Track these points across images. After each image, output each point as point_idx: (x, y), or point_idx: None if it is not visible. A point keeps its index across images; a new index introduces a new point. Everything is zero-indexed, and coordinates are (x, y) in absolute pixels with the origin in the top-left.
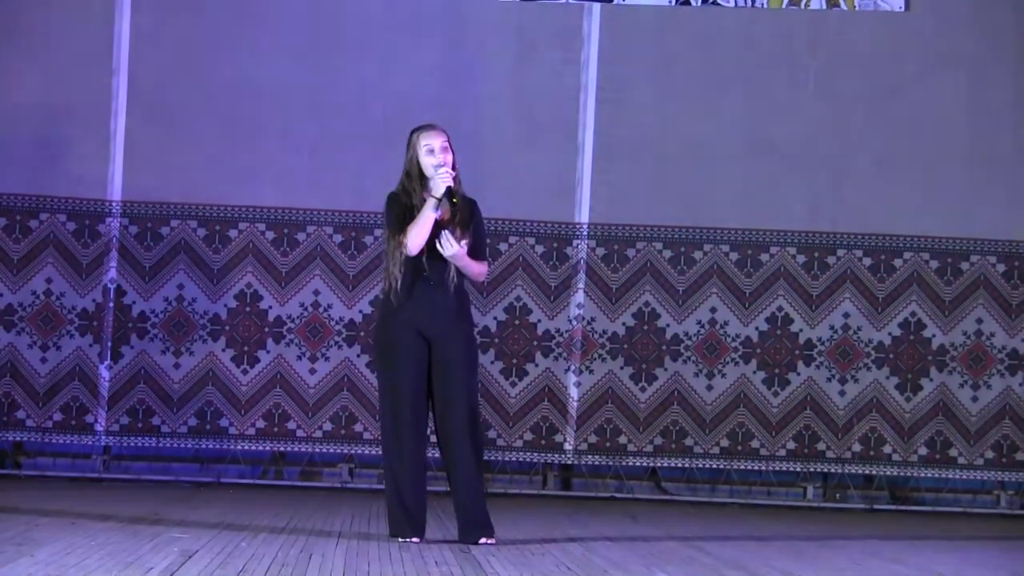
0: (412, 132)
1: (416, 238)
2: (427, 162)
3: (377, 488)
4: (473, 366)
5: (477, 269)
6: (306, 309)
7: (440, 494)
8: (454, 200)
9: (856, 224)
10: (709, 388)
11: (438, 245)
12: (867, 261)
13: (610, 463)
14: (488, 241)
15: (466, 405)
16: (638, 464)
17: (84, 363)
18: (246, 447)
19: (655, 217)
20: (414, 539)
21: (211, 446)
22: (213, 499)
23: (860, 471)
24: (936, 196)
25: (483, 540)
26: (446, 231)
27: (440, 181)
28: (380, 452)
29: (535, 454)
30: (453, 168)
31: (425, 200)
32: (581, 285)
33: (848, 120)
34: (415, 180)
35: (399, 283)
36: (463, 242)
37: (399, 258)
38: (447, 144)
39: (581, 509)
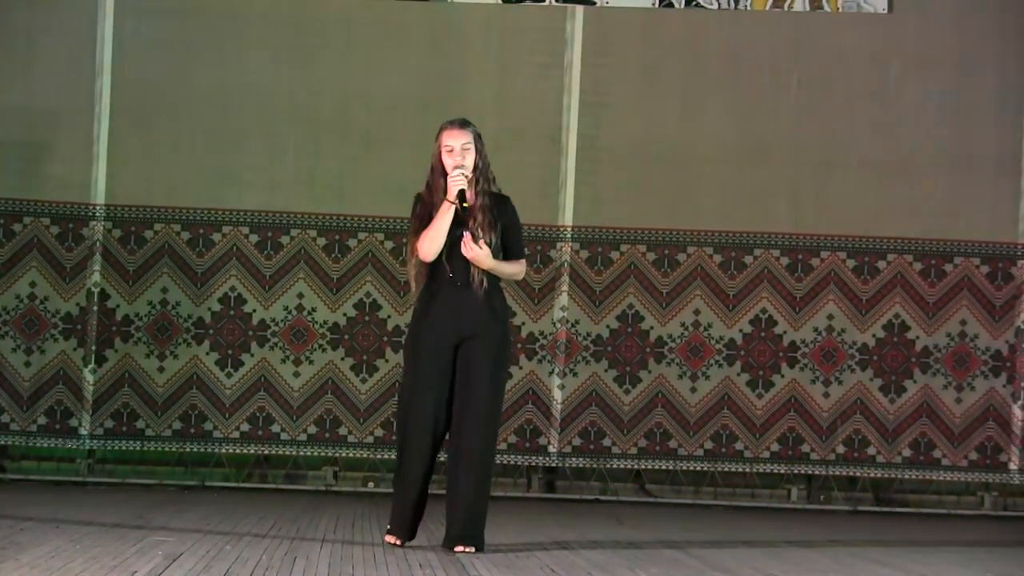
0: (440, 126)
1: (430, 244)
2: (446, 161)
3: (362, 491)
4: (498, 369)
5: (510, 270)
6: (290, 312)
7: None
8: (464, 204)
9: (840, 226)
10: (693, 390)
11: (462, 248)
12: (851, 263)
13: (594, 465)
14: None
15: (483, 411)
16: (622, 466)
17: (68, 367)
18: (230, 450)
19: (639, 220)
20: (396, 541)
21: (195, 449)
22: (197, 502)
23: (844, 473)
24: (919, 198)
25: (459, 548)
26: (467, 233)
27: (452, 184)
28: (364, 455)
29: (519, 456)
30: (476, 167)
31: (443, 200)
32: (565, 288)
33: (832, 122)
34: (438, 176)
35: (425, 286)
36: (483, 242)
37: (419, 263)
38: (468, 144)
39: (565, 511)
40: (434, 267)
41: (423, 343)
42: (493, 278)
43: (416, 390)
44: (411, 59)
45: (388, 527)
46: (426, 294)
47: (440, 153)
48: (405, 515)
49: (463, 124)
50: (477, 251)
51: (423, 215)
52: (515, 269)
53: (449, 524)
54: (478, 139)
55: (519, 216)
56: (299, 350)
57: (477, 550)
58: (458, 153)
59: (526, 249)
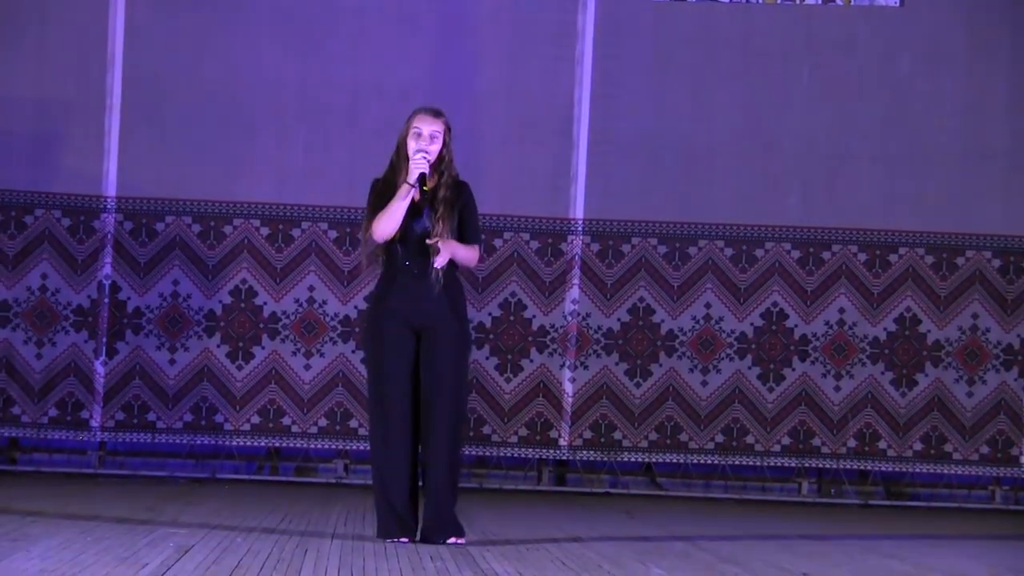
0: (414, 110)
1: (385, 225)
2: (410, 145)
3: (372, 484)
4: (460, 362)
5: (465, 254)
6: (301, 305)
7: None
8: (424, 188)
9: (851, 219)
10: (704, 383)
11: (435, 261)
12: (862, 256)
13: (605, 459)
14: (481, 226)
15: (449, 401)
16: (633, 460)
17: (79, 359)
18: (241, 443)
19: (650, 212)
20: (403, 539)
21: (206, 442)
22: (208, 495)
23: (855, 467)
24: (931, 191)
25: (452, 540)
26: (435, 258)
27: (413, 167)
28: None
29: (530, 450)
30: (441, 159)
31: (404, 183)
32: (576, 280)
33: (843, 115)
34: (402, 159)
35: (383, 271)
36: (441, 241)
37: (372, 244)
38: (438, 132)
39: (576, 505)
40: (390, 253)
41: (385, 334)
42: (450, 268)
43: (388, 385)
44: (422, 51)
45: (385, 530)
46: (383, 282)
47: (406, 135)
48: (406, 510)
49: (436, 113)
50: (444, 251)
51: (384, 193)
52: (470, 254)
53: (430, 518)
54: (448, 131)
55: (476, 201)
56: (310, 343)
57: (461, 535)
58: (424, 138)
59: (483, 236)
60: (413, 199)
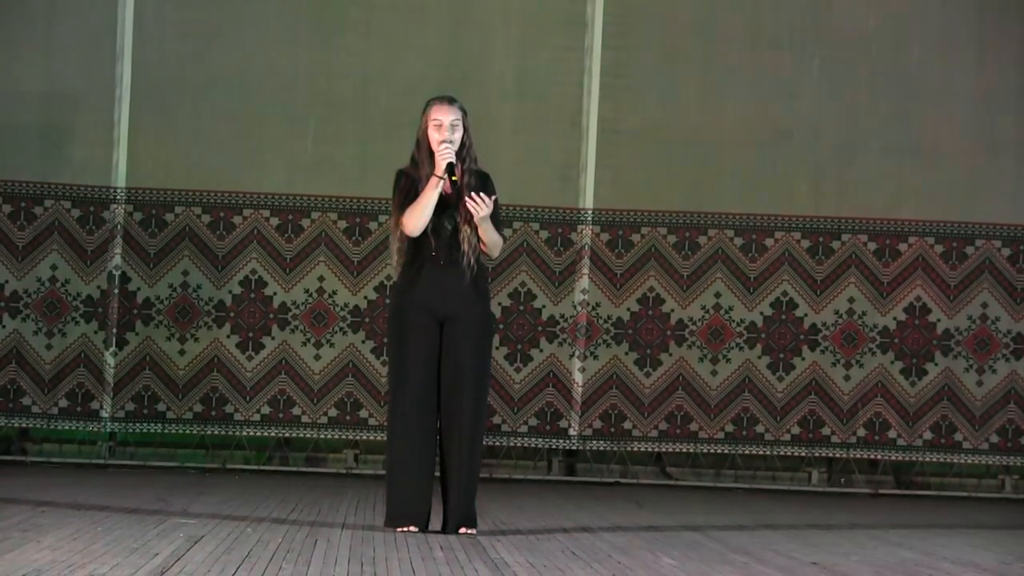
0: (427, 102)
1: (417, 219)
2: (432, 137)
3: (382, 474)
4: (484, 352)
5: (495, 236)
6: (311, 295)
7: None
8: (454, 178)
9: (861, 209)
10: (714, 373)
11: (471, 208)
12: (872, 246)
13: (615, 448)
14: (505, 218)
15: (472, 390)
16: (643, 449)
17: (89, 350)
18: (251, 433)
19: (659, 202)
20: (411, 528)
21: (216, 432)
22: (218, 485)
23: (865, 456)
24: (941, 181)
25: (463, 529)
26: (467, 198)
27: (440, 159)
28: (385, 438)
29: (540, 439)
30: (463, 145)
31: (430, 176)
32: (586, 270)
33: (853, 105)
34: (424, 152)
35: (408, 262)
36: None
37: (403, 237)
38: (458, 121)
39: (586, 494)
40: (418, 244)
41: (410, 321)
42: (477, 257)
43: (409, 371)
44: (431, 41)
45: (394, 518)
46: (409, 271)
47: (427, 128)
48: (417, 499)
49: (452, 101)
50: (480, 205)
51: (408, 189)
52: (498, 238)
53: (448, 508)
54: (465, 116)
55: (498, 193)
56: (320, 333)
57: (473, 527)
58: (447, 128)
59: (508, 229)
60: (443, 191)
